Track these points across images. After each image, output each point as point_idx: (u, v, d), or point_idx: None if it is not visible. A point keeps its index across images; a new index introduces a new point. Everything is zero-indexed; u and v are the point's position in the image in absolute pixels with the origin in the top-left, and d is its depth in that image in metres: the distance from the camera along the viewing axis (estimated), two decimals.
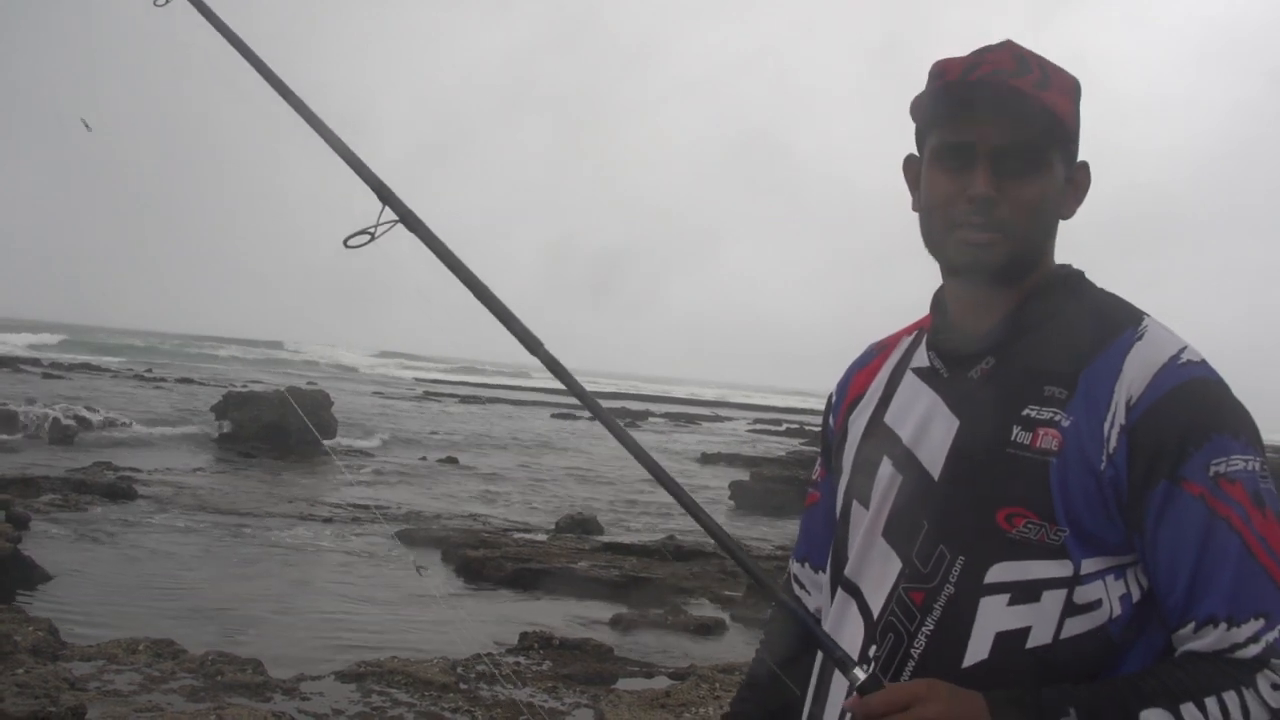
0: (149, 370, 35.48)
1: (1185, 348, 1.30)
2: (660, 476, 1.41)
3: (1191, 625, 1.22)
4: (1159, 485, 1.22)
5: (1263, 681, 1.19)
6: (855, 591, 1.42)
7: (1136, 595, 1.27)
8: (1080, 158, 1.40)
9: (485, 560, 9.40)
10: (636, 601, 8.76)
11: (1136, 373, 1.27)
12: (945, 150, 1.37)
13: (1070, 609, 1.26)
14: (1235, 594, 1.20)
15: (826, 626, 1.42)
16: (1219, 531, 1.21)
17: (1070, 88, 1.37)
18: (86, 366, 34.35)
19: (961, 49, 1.41)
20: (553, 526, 12.07)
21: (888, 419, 1.45)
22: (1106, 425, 1.25)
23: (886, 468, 1.42)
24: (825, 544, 1.55)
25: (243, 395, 18.84)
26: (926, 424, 1.39)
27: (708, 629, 8.05)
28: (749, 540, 12.34)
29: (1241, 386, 1.32)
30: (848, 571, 1.45)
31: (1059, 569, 1.26)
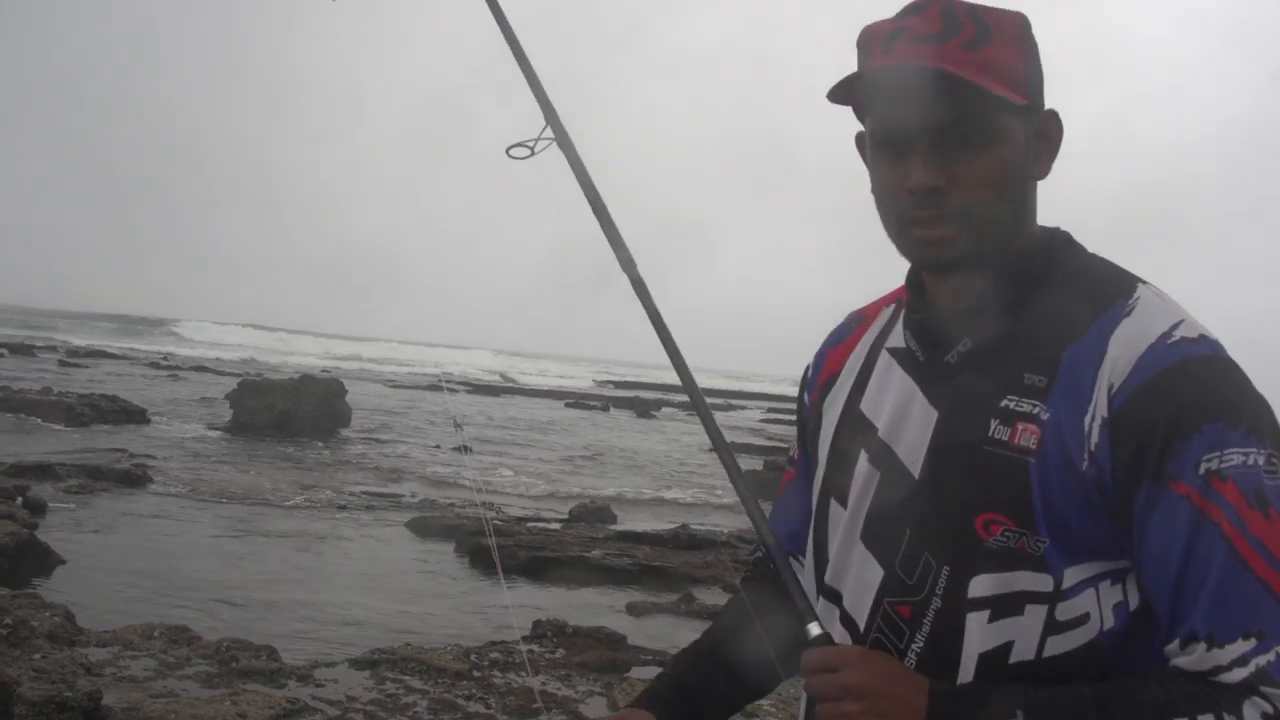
0: (165, 358, 35.64)
1: (1181, 321, 1.13)
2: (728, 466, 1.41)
3: (1176, 642, 1.07)
4: (1143, 485, 1.08)
5: (1250, 709, 1.03)
6: (836, 599, 1.31)
7: (1135, 603, 1.13)
8: (1049, 106, 1.23)
9: (498, 548, 9.41)
10: (650, 590, 8.77)
11: (1121, 354, 1.11)
12: (880, 139, 1.23)
13: (1052, 626, 1.13)
14: (1219, 610, 1.04)
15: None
16: (1205, 537, 1.05)
17: (1016, 32, 1.19)
18: (102, 354, 34.54)
19: None
20: (566, 515, 12.08)
21: (864, 406, 1.32)
22: (1087, 419, 1.11)
23: (864, 464, 1.29)
24: (800, 528, 1.43)
25: (257, 384, 18.89)
26: (903, 415, 1.26)
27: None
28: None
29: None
30: (828, 578, 1.33)
31: (1039, 582, 1.13)
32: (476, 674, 5.91)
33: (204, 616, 6.81)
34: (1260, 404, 1.10)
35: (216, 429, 17.34)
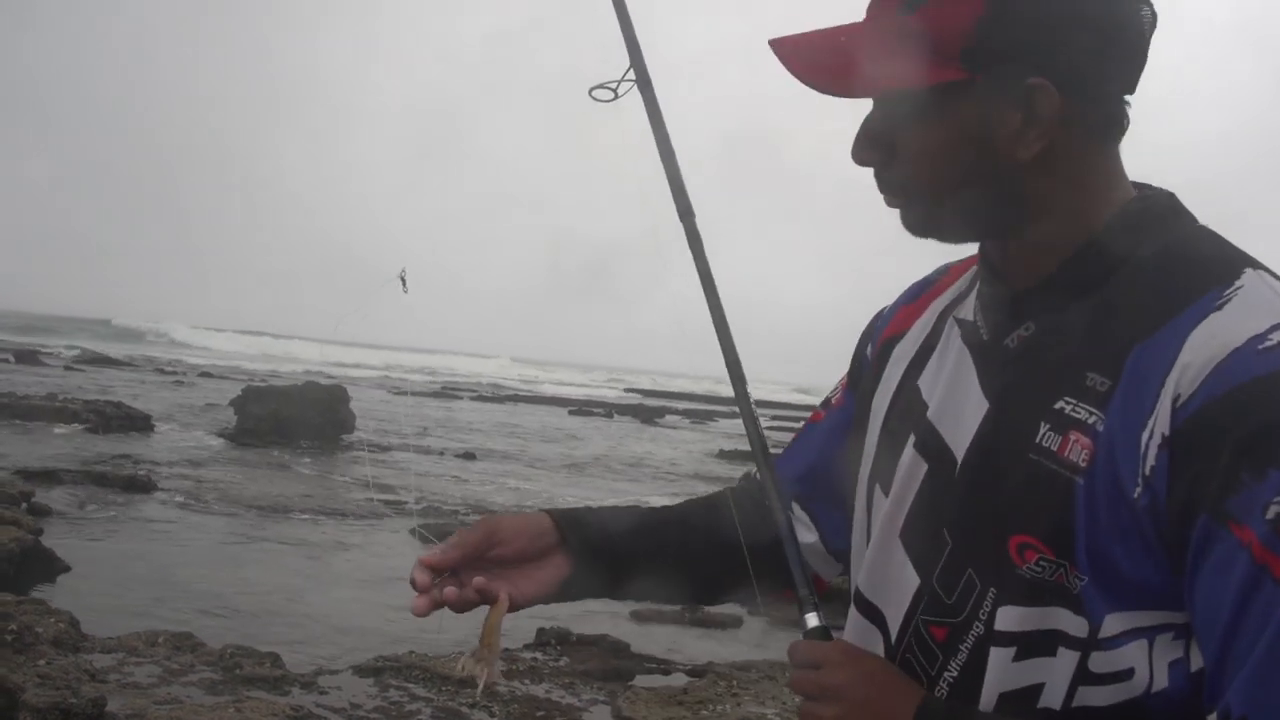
0: (171, 364, 35.71)
1: None
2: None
3: (1214, 715, 0.89)
4: (1199, 519, 0.88)
5: None
6: (873, 614, 1.14)
7: (1199, 663, 0.93)
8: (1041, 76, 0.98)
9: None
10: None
11: (1196, 358, 0.90)
12: None
13: (1083, 676, 0.96)
14: (1262, 690, 0.85)
15: None
16: (1262, 598, 0.85)
17: None
18: (107, 360, 34.58)
19: None
20: None
21: (921, 381, 1.15)
22: (1145, 435, 0.91)
23: (910, 450, 1.12)
24: (805, 473, 1.32)
25: (261, 390, 18.91)
26: (957, 399, 1.09)
27: (725, 625, 8.04)
28: None
29: None
30: (861, 583, 1.16)
31: (1074, 625, 0.96)
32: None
33: (208, 623, 6.81)
34: None
35: (221, 435, 17.35)
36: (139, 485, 11.71)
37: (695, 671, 6.52)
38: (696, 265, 1.35)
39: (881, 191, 1.09)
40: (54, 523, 9.39)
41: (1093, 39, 0.98)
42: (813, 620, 1.11)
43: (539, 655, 6.62)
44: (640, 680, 6.35)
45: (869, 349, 1.31)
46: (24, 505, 9.33)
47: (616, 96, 1.38)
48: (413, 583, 1.18)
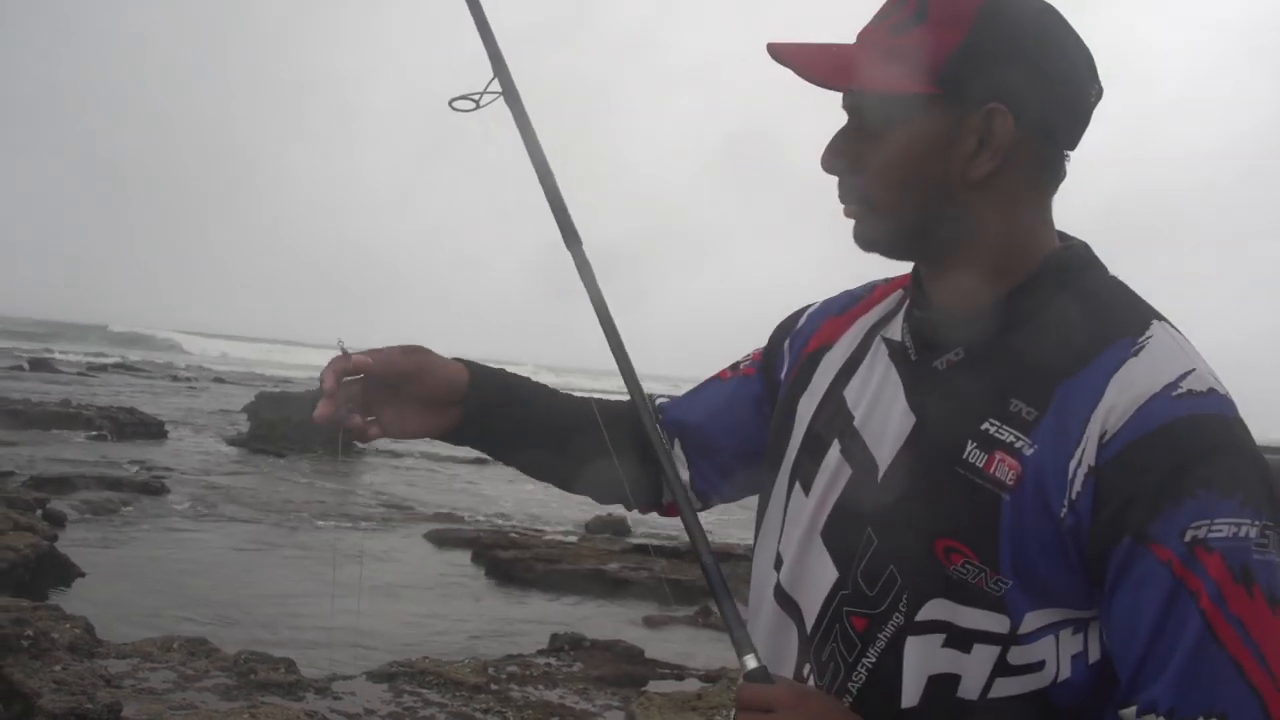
0: (185, 369, 35.85)
1: (1191, 371, 1.04)
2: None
3: (1133, 708, 1.01)
4: (1122, 542, 1.01)
5: None
6: (790, 607, 1.22)
7: (1095, 656, 1.07)
8: (996, 103, 1.09)
9: (515, 561, 9.42)
10: (667, 603, 8.75)
11: (1119, 400, 1.03)
12: None
13: (1002, 669, 1.07)
14: (1185, 685, 0.98)
15: (758, 643, 1.17)
16: (1180, 608, 0.99)
17: (960, 14, 1.09)
18: (121, 367, 34.75)
19: None
20: (583, 528, 12.08)
21: (847, 392, 1.24)
22: (1073, 463, 1.04)
23: (834, 453, 1.21)
24: (701, 421, 1.41)
25: (274, 396, 18.98)
26: (883, 412, 1.19)
27: None
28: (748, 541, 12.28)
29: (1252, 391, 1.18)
30: (783, 579, 1.23)
31: (994, 623, 1.07)
32: (494, 687, 5.91)
33: (222, 629, 6.83)
34: (1260, 472, 1.02)
35: (234, 441, 17.41)
36: (153, 490, 11.78)
37: (709, 677, 6.51)
38: (590, 296, 1.31)
39: (842, 200, 1.18)
40: (69, 529, 9.45)
41: (1051, 90, 1.11)
42: (751, 662, 1.13)
43: (553, 661, 6.62)
44: (654, 686, 6.34)
45: (787, 343, 1.38)
46: (39, 511, 9.39)
47: (478, 106, 1.37)
48: (321, 381, 1.26)
